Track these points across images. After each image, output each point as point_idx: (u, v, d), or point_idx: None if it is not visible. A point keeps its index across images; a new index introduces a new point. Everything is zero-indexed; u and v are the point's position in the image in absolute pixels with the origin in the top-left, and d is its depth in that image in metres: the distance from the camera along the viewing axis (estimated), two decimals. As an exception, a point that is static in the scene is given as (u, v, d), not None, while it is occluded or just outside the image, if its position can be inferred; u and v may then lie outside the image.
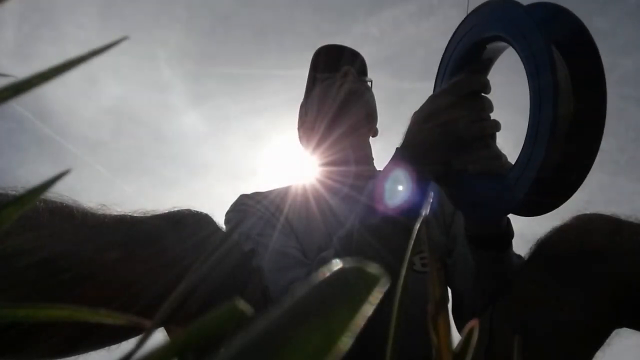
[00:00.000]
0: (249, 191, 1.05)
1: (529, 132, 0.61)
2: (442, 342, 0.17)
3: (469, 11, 0.73)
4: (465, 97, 0.67)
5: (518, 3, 0.64)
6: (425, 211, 0.19)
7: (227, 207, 1.03)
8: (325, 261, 0.77)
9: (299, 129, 1.24)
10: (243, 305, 0.11)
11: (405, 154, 0.71)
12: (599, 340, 0.67)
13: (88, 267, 0.48)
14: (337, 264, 0.12)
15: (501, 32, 0.66)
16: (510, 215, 0.75)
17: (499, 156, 0.70)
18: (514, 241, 0.78)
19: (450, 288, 0.91)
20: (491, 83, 0.69)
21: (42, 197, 0.48)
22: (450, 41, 0.77)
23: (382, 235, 0.70)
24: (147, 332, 0.15)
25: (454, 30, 0.76)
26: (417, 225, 0.18)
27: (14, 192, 0.45)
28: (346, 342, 0.10)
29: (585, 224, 0.70)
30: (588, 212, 0.71)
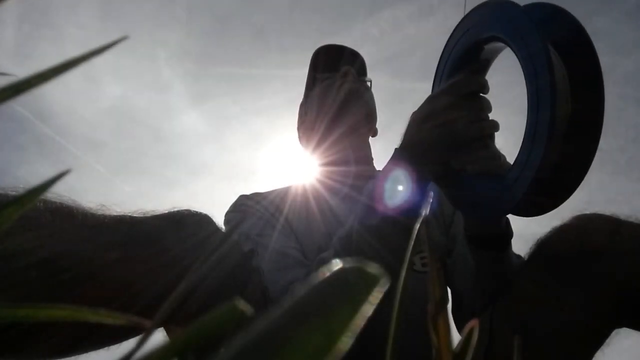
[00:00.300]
0: (248, 191, 1.05)
1: (527, 132, 0.61)
2: (442, 342, 0.17)
3: (467, 12, 0.73)
4: (464, 98, 0.67)
5: (516, 4, 0.64)
6: (425, 211, 0.20)
7: (227, 207, 1.03)
8: (325, 261, 0.76)
9: (298, 129, 1.23)
10: (243, 305, 0.11)
11: (404, 154, 0.71)
12: (599, 340, 0.67)
13: (88, 267, 0.48)
14: (337, 264, 0.12)
15: (499, 32, 0.66)
16: (509, 215, 0.75)
17: (498, 156, 0.70)
18: (514, 241, 0.78)
19: (450, 288, 0.91)
20: (489, 83, 0.69)
21: (42, 197, 0.48)
22: (448, 41, 0.77)
23: (382, 236, 0.70)
24: (147, 332, 0.15)
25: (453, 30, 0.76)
26: (417, 225, 0.18)
27: (14, 192, 0.45)
28: (346, 342, 0.10)
29: (585, 224, 0.70)
30: (588, 212, 0.71)
